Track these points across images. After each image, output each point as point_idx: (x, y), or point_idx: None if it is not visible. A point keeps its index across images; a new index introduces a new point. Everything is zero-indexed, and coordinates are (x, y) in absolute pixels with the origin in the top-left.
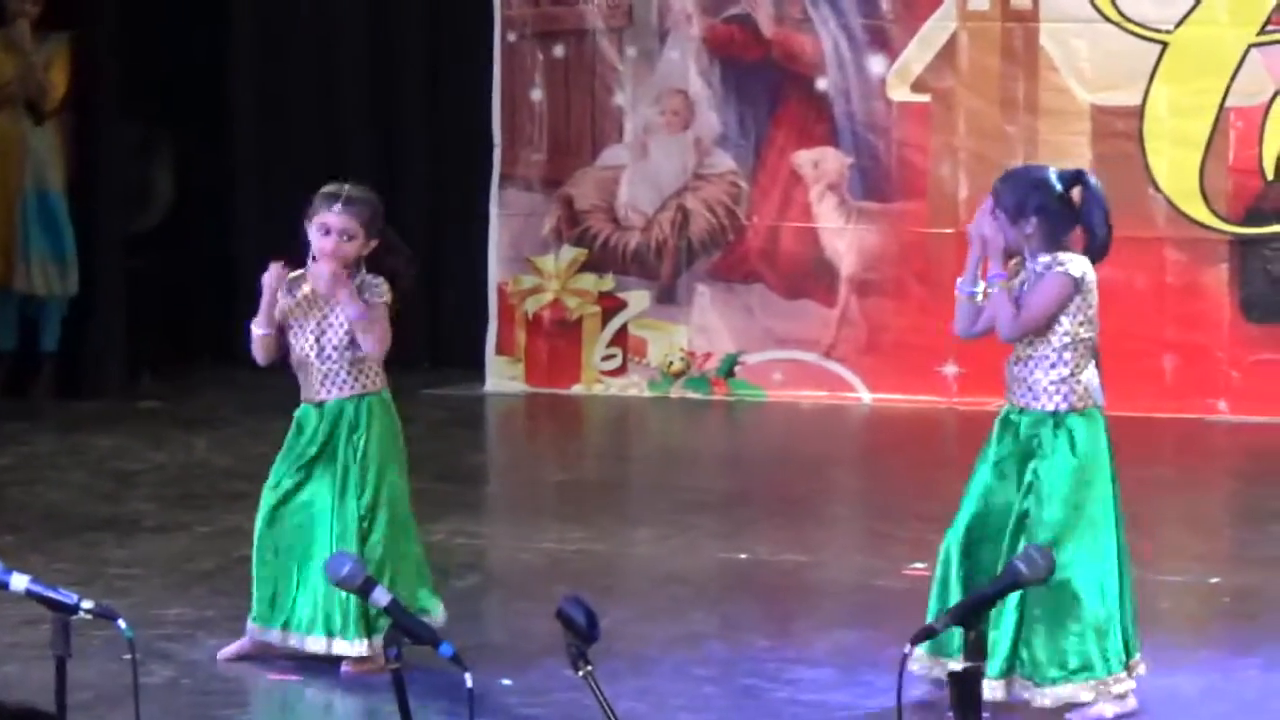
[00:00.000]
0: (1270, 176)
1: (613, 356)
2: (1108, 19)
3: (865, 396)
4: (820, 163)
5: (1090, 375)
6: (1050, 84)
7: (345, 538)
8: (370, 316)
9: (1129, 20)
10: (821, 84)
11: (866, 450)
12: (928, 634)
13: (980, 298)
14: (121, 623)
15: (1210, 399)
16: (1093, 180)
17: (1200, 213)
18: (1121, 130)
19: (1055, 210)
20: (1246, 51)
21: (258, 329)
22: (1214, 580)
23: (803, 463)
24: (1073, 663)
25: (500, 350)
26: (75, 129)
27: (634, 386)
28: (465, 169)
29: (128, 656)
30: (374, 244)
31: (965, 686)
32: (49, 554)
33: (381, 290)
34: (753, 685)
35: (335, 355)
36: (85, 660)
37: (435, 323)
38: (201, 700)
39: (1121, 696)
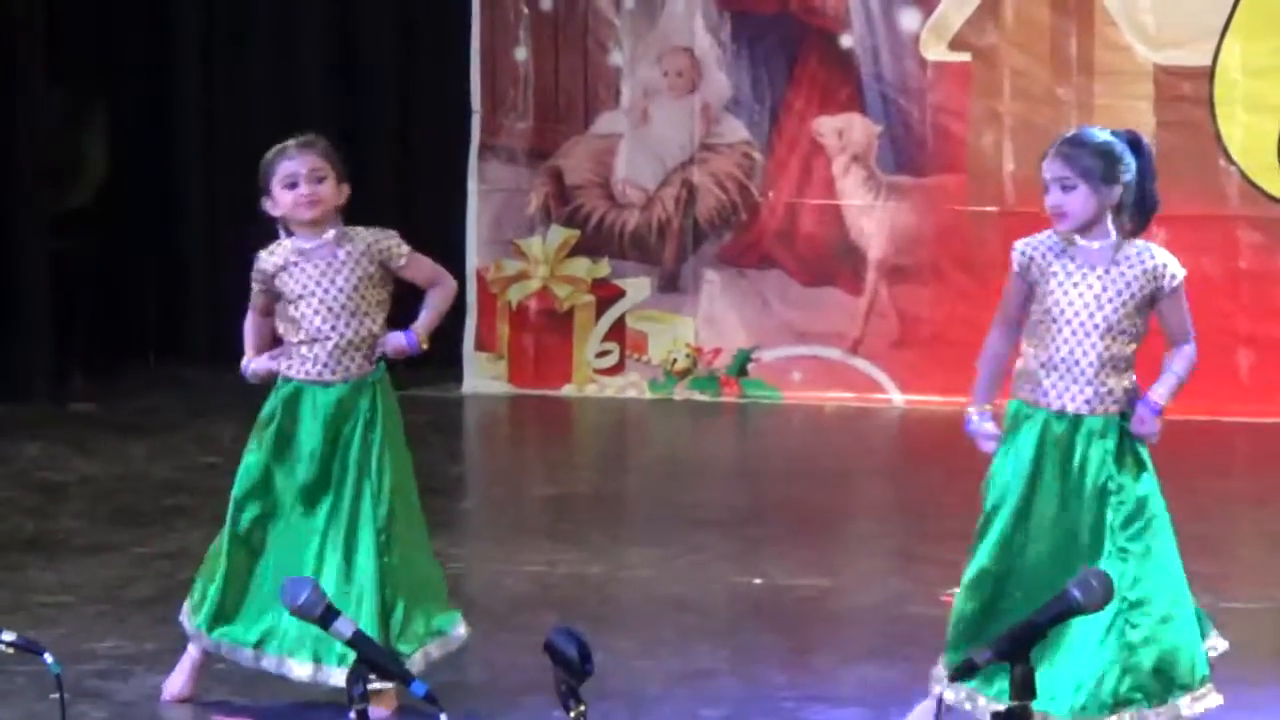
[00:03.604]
0: None
1: (608, 353)
2: None
3: (896, 398)
4: (845, 131)
5: None
6: (1108, 41)
7: (364, 555)
8: (429, 278)
9: None
10: (846, 41)
11: (897, 459)
12: (969, 669)
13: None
14: (48, 657)
15: None
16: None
17: (1279, 188)
18: (1189, 94)
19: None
20: None
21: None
22: None
23: (825, 474)
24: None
25: (480, 346)
26: None
27: (633, 387)
28: (440, 139)
29: (55, 695)
30: (347, 189)
31: None
32: None
33: (400, 244)
34: None
35: (352, 323)
36: (7, 700)
37: (405, 315)
38: None
39: None
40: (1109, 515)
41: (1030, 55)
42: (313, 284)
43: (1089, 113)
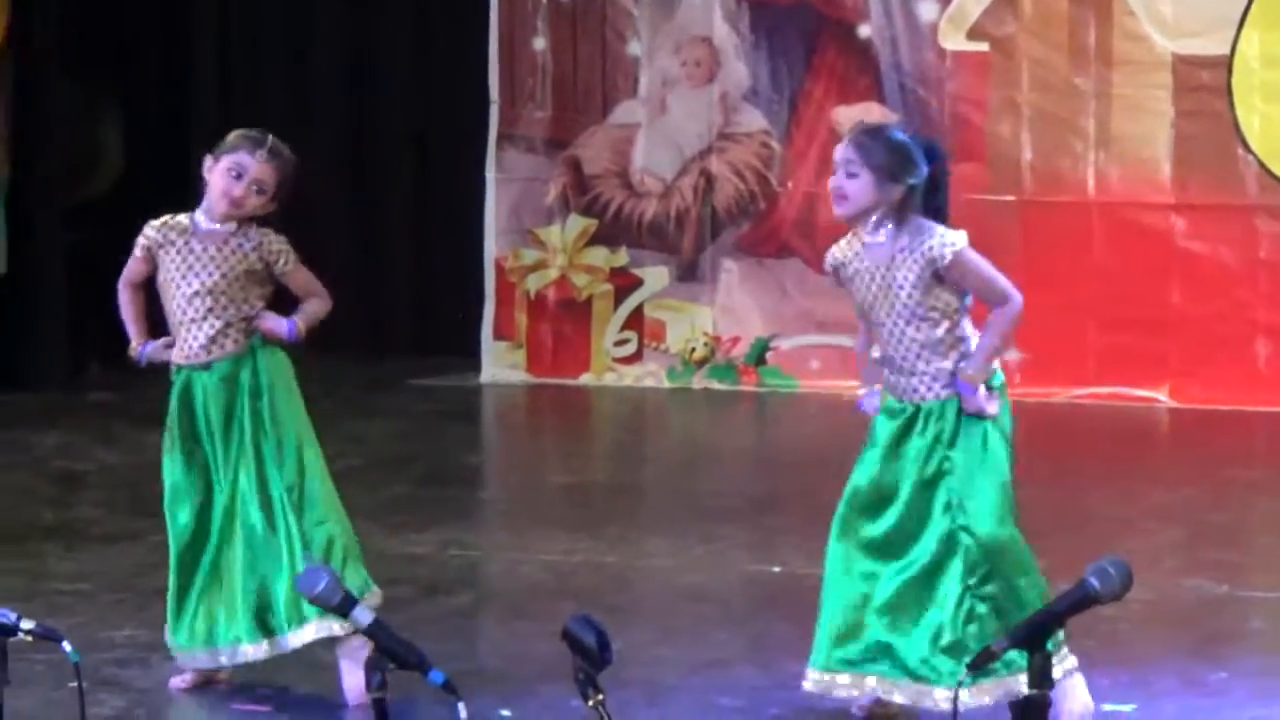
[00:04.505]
0: None
1: (626, 342)
2: None
3: None
4: (864, 120)
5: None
6: (1126, 30)
7: (280, 515)
8: (306, 290)
9: None
10: (865, 30)
11: None
12: (987, 658)
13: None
14: (66, 645)
15: None
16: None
17: None
18: (1207, 83)
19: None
20: None
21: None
22: None
23: (843, 462)
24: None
25: (498, 335)
26: (12, 86)
27: (651, 376)
28: (458, 129)
29: (73, 684)
30: (274, 207)
31: (1031, 717)
32: None
33: (289, 253)
34: (784, 716)
35: (230, 308)
36: (25, 688)
37: (424, 304)
38: None
39: None
40: (942, 495)
41: (1048, 45)
42: (199, 265)
43: (1107, 102)
